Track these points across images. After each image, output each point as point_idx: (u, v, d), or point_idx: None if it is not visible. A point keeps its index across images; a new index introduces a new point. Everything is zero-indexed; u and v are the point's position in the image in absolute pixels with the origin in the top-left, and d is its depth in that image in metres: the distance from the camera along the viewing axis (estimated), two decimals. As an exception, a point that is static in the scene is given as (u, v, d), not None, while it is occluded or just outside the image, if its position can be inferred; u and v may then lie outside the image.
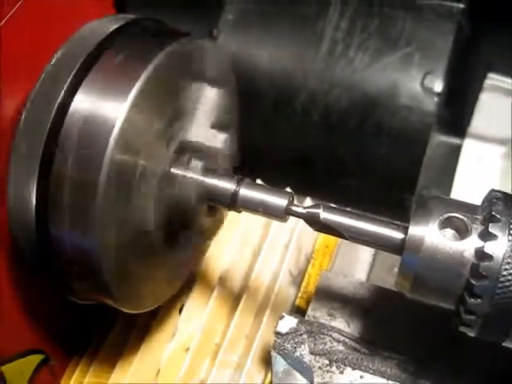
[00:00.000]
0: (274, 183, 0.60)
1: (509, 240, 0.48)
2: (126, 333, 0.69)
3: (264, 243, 0.72)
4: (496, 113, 0.85)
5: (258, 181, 0.73)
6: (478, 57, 0.83)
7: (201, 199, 0.58)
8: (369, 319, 0.62)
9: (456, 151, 0.87)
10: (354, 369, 0.59)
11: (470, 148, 0.87)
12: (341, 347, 0.60)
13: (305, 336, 0.60)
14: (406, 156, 0.75)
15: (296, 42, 0.77)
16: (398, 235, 0.52)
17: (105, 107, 0.51)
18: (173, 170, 0.57)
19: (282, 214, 0.56)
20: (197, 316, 0.68)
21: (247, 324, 0.68)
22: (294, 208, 0.56)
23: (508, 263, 0.47)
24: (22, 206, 0.53)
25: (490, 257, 0.48)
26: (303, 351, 0.59)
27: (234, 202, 0.57)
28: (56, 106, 0.51)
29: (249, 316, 0.68)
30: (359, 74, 0.74)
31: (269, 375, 0.62)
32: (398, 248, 0.52)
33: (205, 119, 0.60)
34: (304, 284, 0.71)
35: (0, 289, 0.58)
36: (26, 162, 0.52)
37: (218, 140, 0.62)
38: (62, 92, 0.52)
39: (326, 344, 0.60)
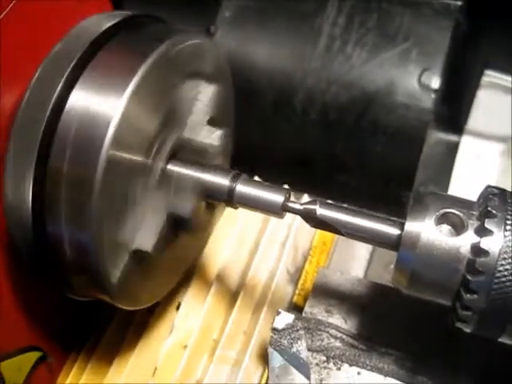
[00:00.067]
0: (273, 181, 0.60)
1: (505, 236, 0.48)
2: (124, 330, 0.69)
3: (261, 240, 0.72)
4: (494, 110, 0.85)
5: (256, 178, 0.73)
6: (475, 54, 0.83)
7: (198, 195, 0.58)
8: (366, 315, 0.62)
9: (454, 148, 0.87)
10: (351, 365, 0.59)
11: (468, 145, 0.87)
12: (338, 343, 0.60)
13: (301, 332, 0.60)
14: (403, 153, 0.75)
15: (294, 39, 0.77)
16: (394, 231, 0.52)
17: (101, 104, 0.51)
18: (169, 166, 0.57)
19: (279, 211, 0.56)
20: (194, 312, 0.68)
21: (245, 320, 0.68)
22: (291, 204, 0.56)
23: (504, 259, 0.47)
24: (18, 204, 0.53)
25: (486, 252, 0.48)
26: (300, 347, 0.59)
27: (230, 198, 0.57)
28: (52, 103, 0.51)
29: (247, 312, 0.68)
30: (357, 70, 0.74)
31: (267, 371, 0.62)
32: (394, 244, 0.52)
33: (201, 115, 0.60)
34: (301, 281, 0.71)
35: (-2, 286, 0.59)
36: (21, 161, 0.52)
37: (214, 136, 0.62)
38: (58, 89, 0.52)
39: (323, 340, 0.61)
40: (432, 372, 0.58)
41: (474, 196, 0.53)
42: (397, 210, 0.62)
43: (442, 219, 0.50)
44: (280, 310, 0.61)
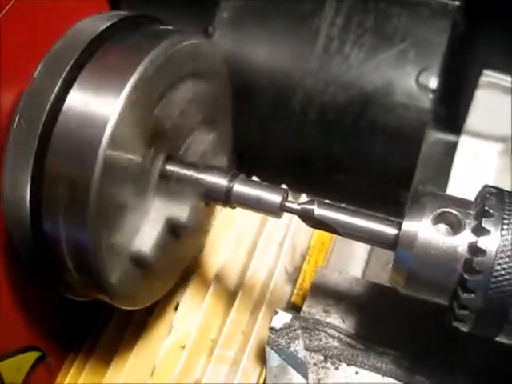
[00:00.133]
0: (272, 181, 0.60)
1: (502, 235, 0.48)
2: (122, 330, 0.69)
3: (259, 240, 0.72)
4: (492, 110, 0.85)
5: (255, 178, 0.73)
6: (473, 54, 0.83)
7: (196, 195, 0.58)
8: (364, 315, 0.62)
9: (452, 148, 0.87)
10: (349, 365, 0.59)
11: (466, 145, 0.86)
12: (336, 343, 0.60)
13: (299, 331, 0.60)
14: (401, 153, 0.75)
15: (291, 40, 0.77)
16: (391, 231, 0.53)
17: (98, 104, 0.51)
18: (167, 166, 0.57)
19: (277, 210, 0.56)
20: (193, 313, 0.68)
21: (243, 320, 0.68)
22: (289, 204, 0.56)
23: (501, 258, 0.47)
24: (17, 203, 0.53)
25: (483, 252, 0.48)
26: (297, 347, 0.59)
27: (228, 198, 0.57)
28: (50, 103, 0.52)
29: (245, 312, 0.68)
30: (355, 70, 0.74)
31: (264, 371, 0.62)
32: (391, 244, 0.52)
33: (198, 116, 0.61)
34: (299, 281, 0.71)
35: (-4, 287, 0.59)
36: (19, 161, 0.52)
37: (211, 136, 0.62)
38: (56, 89, 0.52)
39: (321, 340, 0.61)
40: (430, 371, 0.58)
41: (472, 196, 0.53)
42: (395, 209, 0.62)
43: (439, 219, 0.50)
44: (278, 309, 0.61)
